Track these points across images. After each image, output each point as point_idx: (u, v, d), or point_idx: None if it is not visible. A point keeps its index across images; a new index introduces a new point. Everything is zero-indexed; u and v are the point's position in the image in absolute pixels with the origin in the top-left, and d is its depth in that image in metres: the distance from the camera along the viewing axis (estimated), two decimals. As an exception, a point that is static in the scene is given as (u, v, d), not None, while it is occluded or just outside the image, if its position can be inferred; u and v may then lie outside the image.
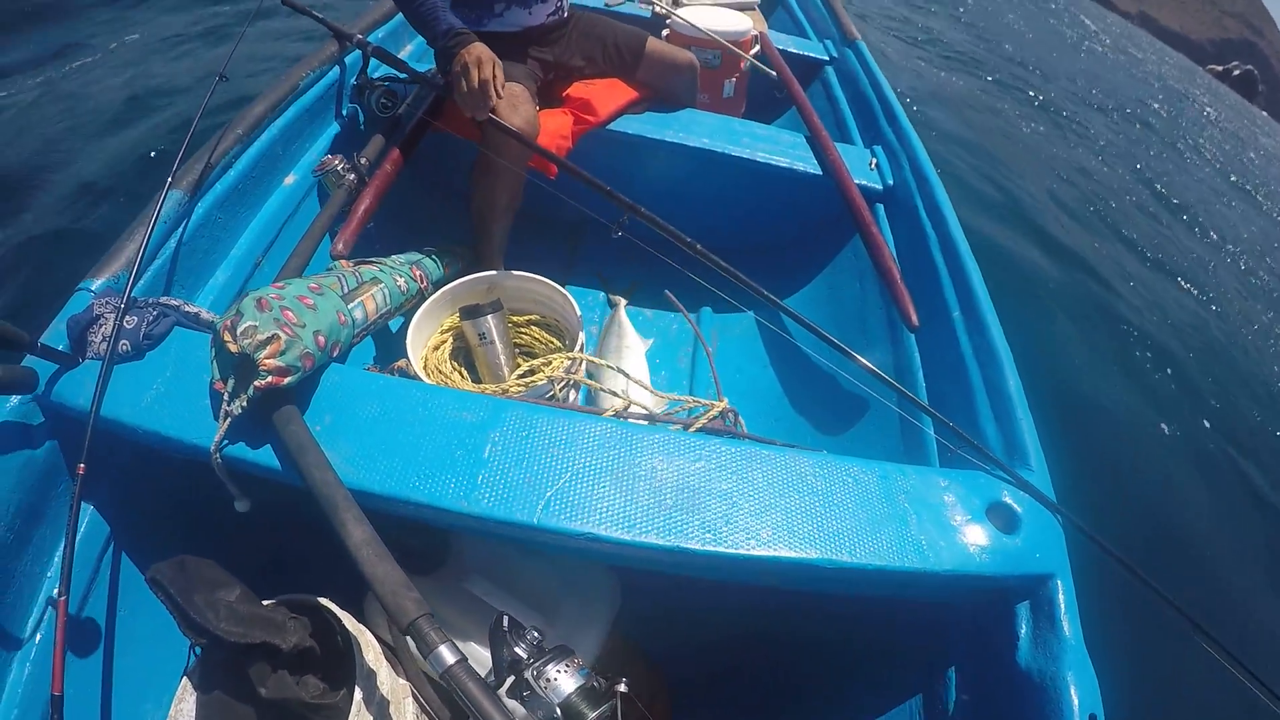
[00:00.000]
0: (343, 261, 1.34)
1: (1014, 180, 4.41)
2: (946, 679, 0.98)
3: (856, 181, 1.75)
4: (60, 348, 0.96)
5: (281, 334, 0.88)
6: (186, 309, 1.07)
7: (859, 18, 2.71)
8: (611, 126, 1.79)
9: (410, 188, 1.75)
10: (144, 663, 1.03)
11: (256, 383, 0.86)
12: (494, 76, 1.35)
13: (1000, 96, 6.67)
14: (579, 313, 1.45)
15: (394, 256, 1.48)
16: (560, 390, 1.30)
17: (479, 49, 1.36)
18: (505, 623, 0.77)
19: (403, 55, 1.99)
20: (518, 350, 1.53)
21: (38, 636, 0.93)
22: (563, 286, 1.52)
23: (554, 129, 1.63)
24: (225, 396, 0.89)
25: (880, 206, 1.78)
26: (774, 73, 2.27)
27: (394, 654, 0.95)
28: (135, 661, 1.02)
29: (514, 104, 1.44)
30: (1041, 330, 2.92)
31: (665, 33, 2.34)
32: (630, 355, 1.63)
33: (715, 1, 2.68)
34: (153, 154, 2.91)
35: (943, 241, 1.53)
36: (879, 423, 1.40)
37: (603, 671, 0.77)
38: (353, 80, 1.75)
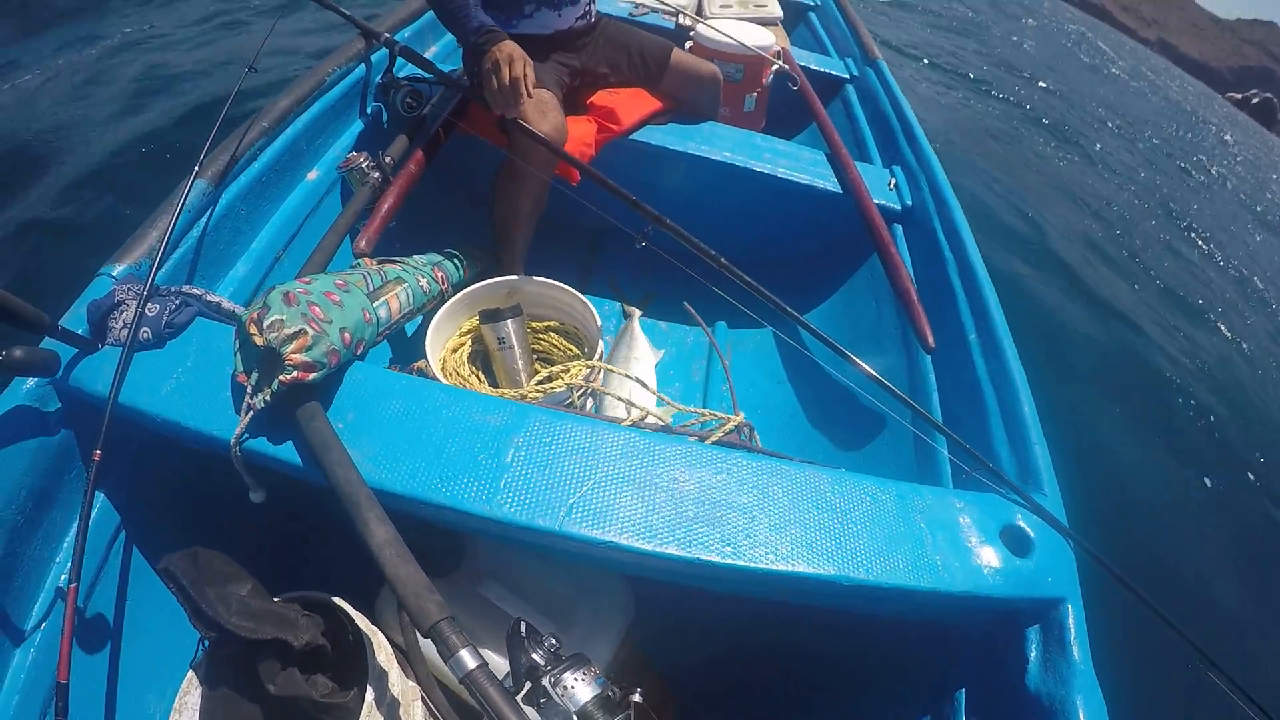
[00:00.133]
0: (366, 259, 1.34)
1: (1032, 206, 4.43)
2: (955, 700, 0.97)
3: (875, 201, 1.75)
4: (80, 332, 0.96)
5: (309, 329, 0.88)
6: (209, 299, 1.07)
7: (880, 43, 2.72)
8: (634, 136, 1.79)
9: (432, 189, 1.76)
10: (148, 654, 1.02)
11: (281, 377, 0.85)
12: (525, 75, 1.35)
13: (1020, 122, 6.72)
14: (599, 322, 1.45)
15: (415, 257, 1.48)
16: (578, 398, 1.30)
17: (510, 46, 1.37)
18: (523, 628, 0.77)
19: (428, 56, 2.00)
20: (535, 356, 1.53)
21: (43, 623, 0.92)
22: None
23: (578, 136, 1.64)
24: (248, 389, 0.89)
25: (898, 227, 1.78)
26: (795, 86, 2.29)
27: (404, 656, 0.94)
28: (139, 652, 1.01)
29: (542, 110, 1.44)
30: (1055, 354, 2.92)
31: (689, 44, 2.36)
32: (638, 367, 1.62)
33: (738, 16, 2.70)
34: (176, 144, 2.92)
35: (960, 264, 1.53)
36: (892, 442, 1.40)
37: (615, 681, 0.76)
38: (378, 78, 1.76)
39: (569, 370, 1.27)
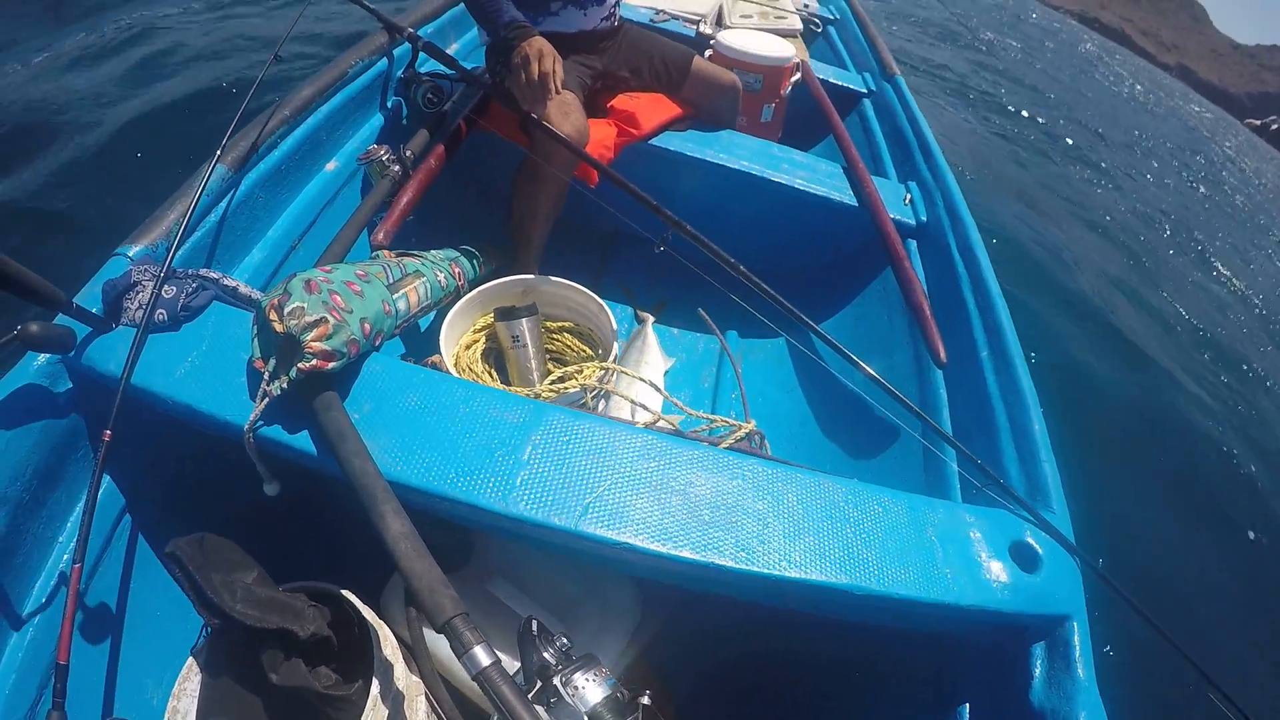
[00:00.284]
0: (385, 252, 1.34)
1: (1044, 227, 4.43)
2: (959, 713, 0.98)
3: (891, 216, 1.76)
4: (94, 311, 0.95)
5: (330, 318, 0.88)
6: (226, 283, 1.06)
7: (898, 60, 2.74)
8: (653, 141, 1.80)
9: (450, 185, 1.76)
10: (148, 639, 1.01)
11: (300, 365, 0.85)
12: (554, 71, 1.35)
13: (1036, 144, 6.75)
14: (614, 324, 1.45)
15: (433, 251, 1.48)
16: (591, 399, 1.29)
17: (540, 42, 1.37)
18: (535, 627, 0.76)
19: (450, 52, 2.01)
20: (549, 356, 1.52)
21: (45, 603, 0.91)
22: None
23: (598, 139, 1.64)
24: (265, 376, 0.88)
25: (912, 242, 1.79)
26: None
27: (409, 651, 0.93)
28: (139, 636, 1.00)
29: (565, 111, 1.44)
30: (1068, 378, 2.92)
31: (708, 53, 2.37)
32: (649, 373, 1.61)
33: (758, 27, 2.71)
34: (193, 130, 2.91)
35: (974, 280, 1.54)
36: (901, 454, 1.40)
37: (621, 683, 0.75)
38: (400, 73, 1.77)
39: (583, 371, 1.26)
